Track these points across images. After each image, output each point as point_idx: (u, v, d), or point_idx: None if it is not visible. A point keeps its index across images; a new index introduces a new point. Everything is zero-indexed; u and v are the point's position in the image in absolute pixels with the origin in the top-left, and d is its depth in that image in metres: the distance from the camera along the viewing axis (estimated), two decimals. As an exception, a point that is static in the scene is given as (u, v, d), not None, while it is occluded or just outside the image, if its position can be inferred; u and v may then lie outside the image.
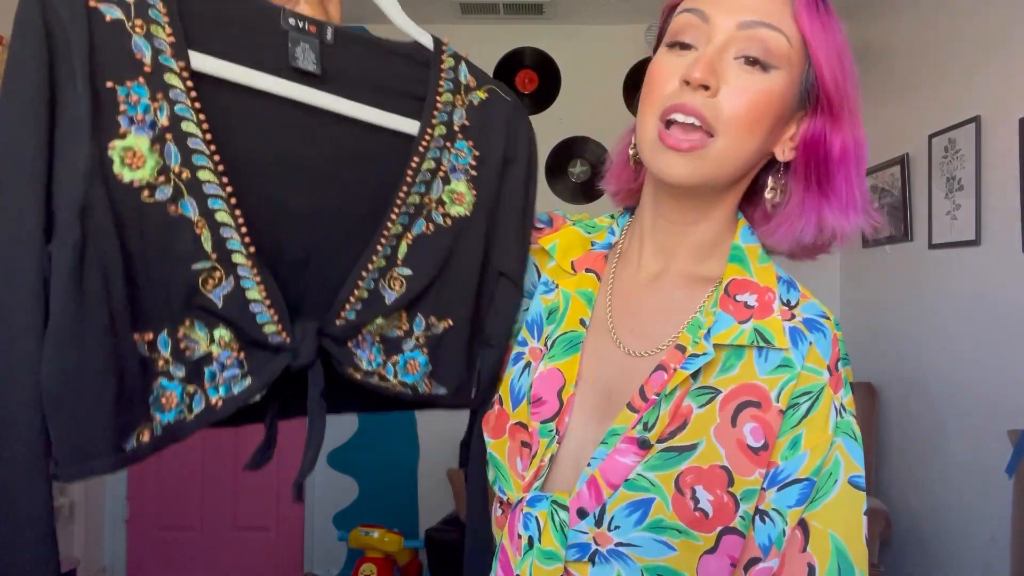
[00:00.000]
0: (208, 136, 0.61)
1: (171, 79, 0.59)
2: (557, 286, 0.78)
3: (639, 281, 0.77)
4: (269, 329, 0.64)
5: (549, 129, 3.36)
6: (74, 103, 0.55)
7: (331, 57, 0.69)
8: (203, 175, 0.61)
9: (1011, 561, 1.96)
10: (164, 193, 0.59)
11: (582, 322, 0.75)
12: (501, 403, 0.76)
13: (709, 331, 0.69)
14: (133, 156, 0.57)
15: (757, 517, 0.66)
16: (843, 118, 0.72)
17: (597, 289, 0.77)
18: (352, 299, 0.70)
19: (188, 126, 0.60)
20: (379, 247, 0.71)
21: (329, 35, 0.69)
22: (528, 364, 0.75)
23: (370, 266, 0.71)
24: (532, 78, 3.49)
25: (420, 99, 0.75)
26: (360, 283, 0.70)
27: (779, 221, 0.75)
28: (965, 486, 2.40)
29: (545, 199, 3.11)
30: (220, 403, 0.64)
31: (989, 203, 2.30)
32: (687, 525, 0.64)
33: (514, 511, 0.70)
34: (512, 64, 3.48)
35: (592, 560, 0.66)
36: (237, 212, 0.62)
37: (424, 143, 0.74)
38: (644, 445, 0.66)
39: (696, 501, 0.64)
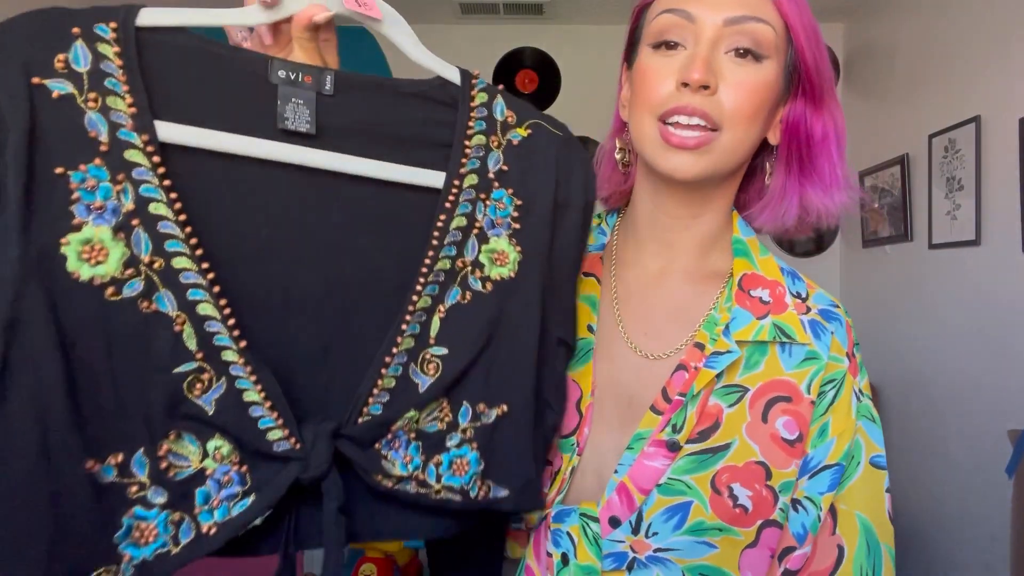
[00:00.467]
0: (182, 217, 0.52)
1: (133, 156, 0.51)
2: None
3: (643, 281, 0.76)
4: (274, 435, 0.55)
5: (549, 129, 3.36)
6: (4, 199, 0.49)
7: (332, 110, 0.59)
8: (179, 263, 0.52)
9: (1011, 561, 1.96)
10: (134, 288, 0.51)
11: (589, 328, 0.74)
12: None
13: (728, 328, 0.70)
14: (92, 250, 0.50)
15: (791, 507, 0.66)
16: (823, 98, 0.73)
17: (599, 293, 0.76)
18: (376, 390, 0.59)
19: (157, 208, 0.52)
20: (405, 324, 0.60)
21: (328, 84, 0.59)
22: None
23: (395, 348, 0.59)
24: (532, 78, 3.49)
25: (447, 146, 0.63)
26: (384, 370, 0.59)
27: (762, 205, 0.76)
28: (965, 486, 2.40)
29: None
30: (214, 530, 0.53)
31: (989, 203, 2.30)
32: (727, 523, 0.64)
33: (539, 529, 0.68)
34: (512, 64, 3.48)
35: (630, 568, 0.65)
36: (222, 302, 0.53)
37: (451, 197, 0.62)
38: (673, 447, 0.66)
39: (735, 499, 0.65)
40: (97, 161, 0.51)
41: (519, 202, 0.65)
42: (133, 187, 0.51)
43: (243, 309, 0.55)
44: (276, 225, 0.58)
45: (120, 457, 0.51)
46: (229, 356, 0.54)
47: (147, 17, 0.54)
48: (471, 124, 0.64)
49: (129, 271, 0.51)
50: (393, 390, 0.59)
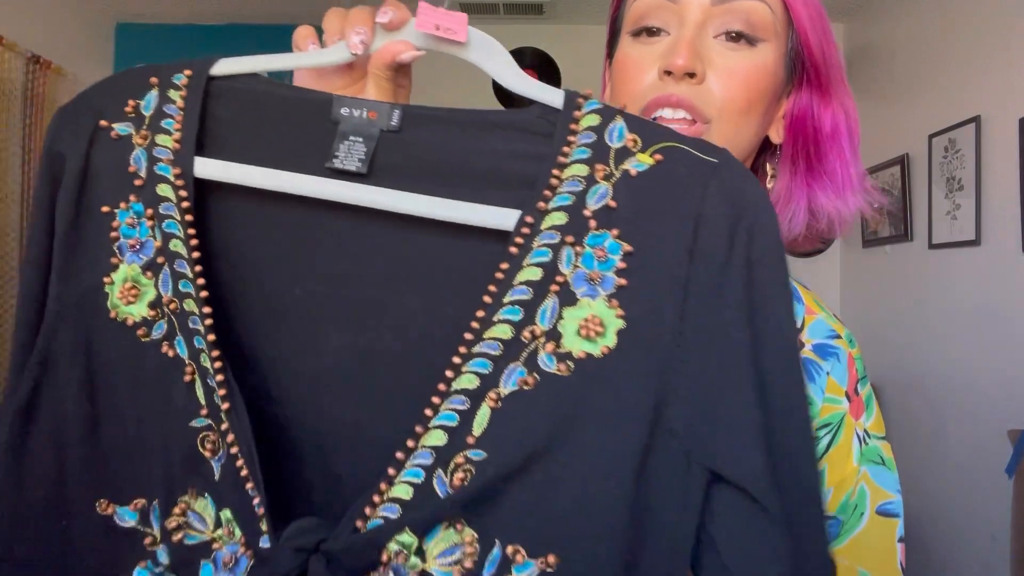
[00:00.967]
0: (195, 255, 0.47)
1: (163, 190, 0.49)
2: None
3: None
4: (264, 525, 0.44)
5: (549, 129, 3.36)
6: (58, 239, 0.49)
7: (395, 146, 0.50)
8: (189, 305, 0.47)
9: (1011, 561, 1.96)
10: (160, 330, 0.48)
11: None
12: None
13: None
14: (127, 289, 0.49)
15: None
16: (831, 88, 0.65)
17: None
18: (377, 498, 0.44)
19: (176, 245, 0.48)
20: (431, 409, 0.44)
21: (395, 119, 0.50)
22: None
23: (412, 442, 0.44)
24: (532, 78, 3.49)
25: (534, 184, 0.48)
26: (395, 471, 0.44)
27: None
28: (965, 486, 2.40)
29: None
30: None
31: (989, 203, 2.30)
32: None
33: None
34: (512, 64, 3.49)
35: None
36: (215, 353, 0.46)
37: (521, 239, 0.46)
38: None
39: None
40: (133, 197, 0.49)
41: (629, 248, 0.46)
42: (159, 223, 0.49)
43: (254, 369, 0.48)
44: (311, 278, 0.50)
45: (141, 503, 0.48)
46: (224, 419, 0.46)
47: (223, 66, 0.52)
48: (567, 151, 0.48)
49: (154, 312, 0.49)
50: (407, 504, 0.43)
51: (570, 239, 0.46)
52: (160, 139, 0.50)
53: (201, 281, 0.48)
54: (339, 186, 0.49)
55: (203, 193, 0.50)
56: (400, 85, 0.55)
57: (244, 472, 0.45)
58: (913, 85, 2.74)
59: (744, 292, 0.46)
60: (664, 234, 0.46)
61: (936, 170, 2.55)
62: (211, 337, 0.46)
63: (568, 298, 0.46)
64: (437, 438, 0.44)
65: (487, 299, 0.45)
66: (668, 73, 0.59)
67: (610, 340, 0.45)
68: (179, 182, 0.49)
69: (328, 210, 0.49)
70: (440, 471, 0.44)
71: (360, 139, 0.50)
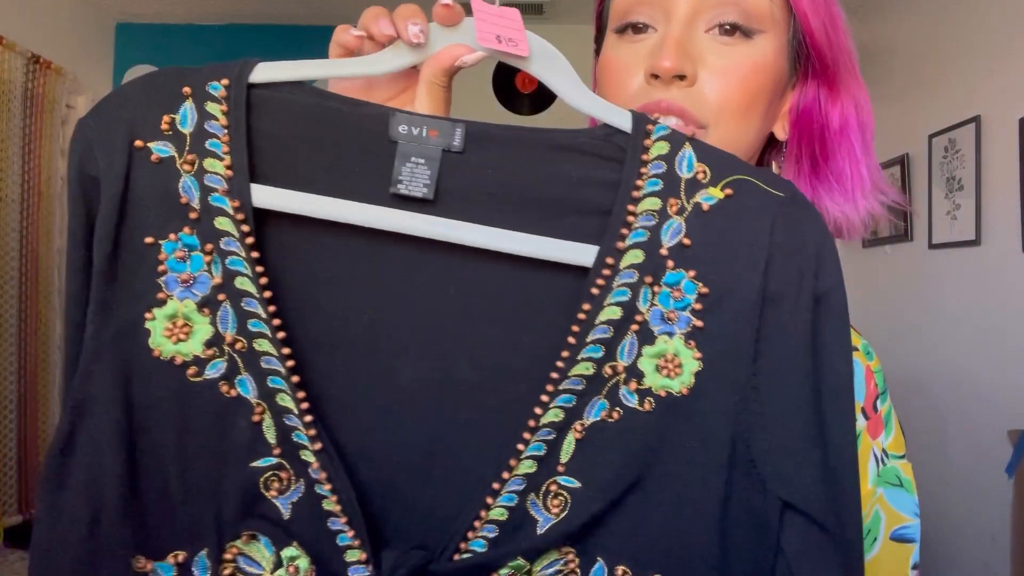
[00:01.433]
0: (267, 294, 0.46)
1: (223, 224, 0.46)
2: None
3: None
4: (352, 556, 0.46)
5: (549, 129, 3.36)
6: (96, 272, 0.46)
7: (459, 169, 0.48)
8: (260, 345, 0.46)
9: (1011, 561, 1.96)
10: (216, 369, 0.46)
11: None
12: None
13: None
14: (176, 326, 0.46)
15: None
16: (839, 80, 0.60)
17: None
18: (479, 522, 0.46)
19: (243, 283, 0.46)
20: (523, 443, 0.46)
21: (458, 139, 0.48)
22: None
23: (506, 474, 0.46)
24: (531, 78, 3.47)
25: (607, 213, 0.48)
26: (492, 498, 0.46)
27: None
28: (965, 486, 2.40)
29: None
30: None
31: (989, 203, 2.30)
32: None
33: None
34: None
35: None
36: (300, 394, 0.45)
37: (602, 280, 0.47)
38: None
39: None
40: (187, 229, 0.46)
41: (705, 290, 0.47)
42: (221, 258, 0.46)
43: (330, 404, 0.47)
44: (380, 309, 0.49)
45: (182, 556, 0.46)
46: (307, 456, 0.46)
47: (262, 72, 0.48)
48: (640, 183, 0.47)
49: (212, 351, 0.46)
50: (504, 524, 0.46)
51: (648, 279, 0.47)
52: (209, 164, 0.46)
53: (277, 321, 0.46)
54: (412, 218, 0.47)
55: (258, 221, 0.47)
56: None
57: (330, 507, 0.46)
58: (913, 85, 2.74)
59: (810, 331, 0.48)
60: (738, 274, 0.47)
61: (936, 170, 2.55)
62: (295, 378, 0.46)
63: (647, 336, 0.47)
64: (527, 467, 0.46)
65: (571, 340, 0.47)
66: (655, 76, 0.54)
67: (688, 380, 0.47)
68: (239, 216, 0.46)
69: (391, 238, 0.48)
70: (533, 495, 0.46)
71: (423, 161, 0.48)
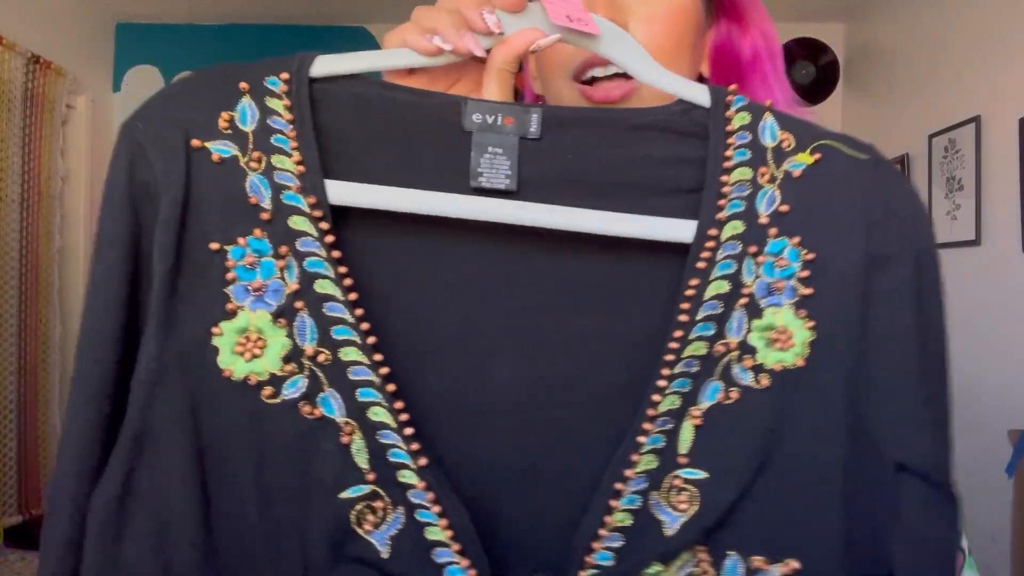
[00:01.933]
0: (352, 296, 0.42)
1: (298, 223, 0.42)
2: None
3: None
4: None
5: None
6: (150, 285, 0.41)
7: (538, 156, 0.46)
8: (347, 354, 0.42)
9: (1011, 561, 1.96)
10: (295, 388, 0.41)
11: None
12: None
13: None
14: (248, 341, 0.41)
15: None
16: (746, 14, 0.64)
17: None
18: (604, 530, 0.42)
19: (324, 285, 0.42)
20: (643, 435, 0.43)
21: (534, 125, 0.45)
22: None
23: (628, 471, 0.43)
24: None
25: (696, 190, 0.46)
26: (615, 501, 0.43)
27: None
28: (965, 486, 2.39)
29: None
30: None
31: (989, 203, 2.30)
32: None
33: None
34: (512, 64, 3.48)
35: None
36: (398, 405, 0.41)
37: (705, 253, 0.45)
38: None
39: None
40: (258, 232, 0.42)
41: (809, 256, 0.45)
42: (298, 261, 0.42)
43: (424, 415, 0.43)
44: (468, 307, 0.46)
45: None
46: (407, 477, 0.41)
47: (323, 65, 0.45)
48: (729, 155, 0.46)
49: (290, 366, 0.41)
50: (629, 530, 0.42)
51: (752, 249, 0.45)
52: (278, 161, 0.43)
53: (366, 326, 0.42)
54: (502, 206, 0.44)
55: (337, 221, 0.44)
56: None
57: (435, 535, 0.41)
58: (913, 85, 2.74)
59: (914, 294, 0.47)
60: (841, 239, 0.45)
61: (936, 170, 2.55)
62: (390, 387, 0.41)
63: (754, 310, 0.45)
64: (648, 462, 0.43)
65: (682, 318, 0.44)
66: None
67: (801, 351, 0.45)
68: (316, 213, 0.42)
69: (474, 232, 0.45)
70: (654, 494, 0.43)
71: (500, 150, 0.45)
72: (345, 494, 0.41)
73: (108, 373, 0.41)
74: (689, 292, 0.44)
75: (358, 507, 0.41)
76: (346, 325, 0.42)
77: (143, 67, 3.34)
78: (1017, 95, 2.18)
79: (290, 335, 0.42)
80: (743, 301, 0.45)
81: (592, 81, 0.58)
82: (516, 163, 0.45)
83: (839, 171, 0.46)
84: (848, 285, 0.45)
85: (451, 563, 0.41)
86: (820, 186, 0.46)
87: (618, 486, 0.43)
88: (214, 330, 0.41)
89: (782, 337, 0.45)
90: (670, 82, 0.48)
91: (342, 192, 0.43)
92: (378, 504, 0.41)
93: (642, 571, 0.42)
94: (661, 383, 0.43)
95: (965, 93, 2.42)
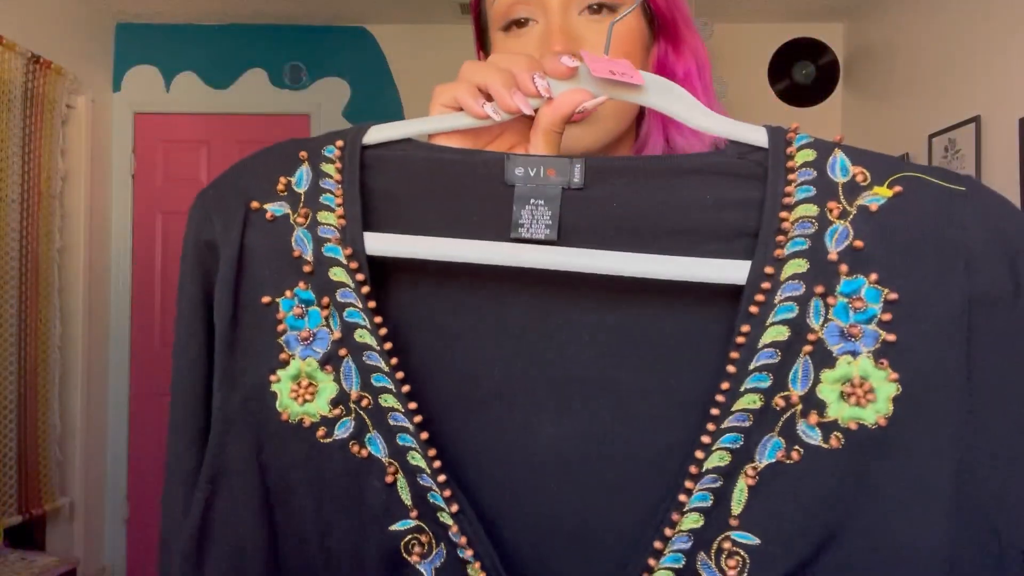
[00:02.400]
0: (387, 346, 0.44)
1: (337, 274, 0.44)
2: None
3: None
4: None
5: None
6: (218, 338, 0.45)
7: (581, 205, 0.45)
8: (386, 401, 0.43)
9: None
10: (345, 429, 0.44)
11: None
12: None
13: None
14: (300, 387, 0.44)
15: None
16: (680, 35, 0.68)
17: None
18: None
19: (362, 335, 0.44)
20: (685, 493, 0.40)
21: (577, 175, 0.45)
22: None
23: (668, 529, 0.41)
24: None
25: (754, 235, 0.42)
26: (652, 560, 0.41)
27: (635, 152, 0.71)
28: (965, 486, 2.40)
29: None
30: None
31: (989, 203, 2.30)
32: None
33: None
34: (512, 64, 3.48)
35: None
36: (431, 452, 0.42)
37: (760, 297, 0.41)
38: None
39: None
40: (302, 284, 0.45)
41: (893, 296, 0.40)
42: (338, 311, 0.44)
43: (465, 464, 0.44)
44: (511, 361, 0.45)
45: None
46: (445, 519, 0.42)
47: (375, 133, 0.47)
48: (790, 191, 0.42)
49: (338, 409, 0.44)
50: None
51: (819, 289, 0.40)
52: (323, 216, 0.45)
53: (400, 375, 0.43)
54: (536, 251, 0.43)
55: (376, 273, 0.45)
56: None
57: (471, 572, 0.42)
58: (913, 85, 2.74)
59: None
60: (930, 276, 0.40)
61: (936, 170, 2.55)
62: (424, 435, 0.43)
63: (824, 358, 0.40)
64: (693, 521, 0.41)
65: (731, 368, 0.41)
66: None
67: (884, 407, 0.39)
68: (353, 264, 0.44)
69: (515, 282, 0.45)
70: (703, 555, 0.40)
71: (542, 201, 0.45)
72: (395, 527, 0.44)
73: (199, 421, 0.46)
74: (740, 340, 0.41)
75: (407, 538, 0.44)
76: (383, 374, 0.43)
77: (143, 67, 3.34)
78: (1017, 95, 2.18)
79: (337, 380, 0.44)
80: (808, 349, 0.40)
81: None
82: (558, 213, 0.44)
83: (926, 203, 0.41)
84: (943, 330, 0.40)
85: None
86: (903, 220, 0.41)
87: (657, 544, 0.41)
88: (271, 377, 0.44)
89: (859, 391, 0.40)
90: (726, 127, 0.45)
91: (379, 243, 0.45)
92: (423, 537, 0.44)
93: None
94: (705, 439, 0.40)
95: (965, 93, 2.42)
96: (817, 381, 0.40)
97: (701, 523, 0.41)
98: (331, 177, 0.46)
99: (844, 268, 0.40)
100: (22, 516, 2.66)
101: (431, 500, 0.43)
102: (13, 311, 2.62)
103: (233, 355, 0.45)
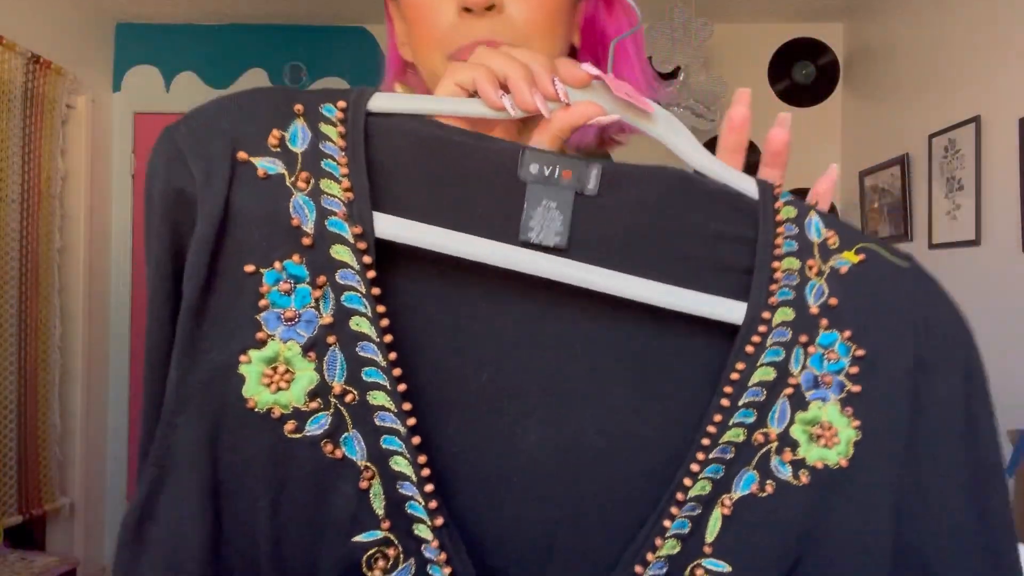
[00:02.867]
0: (387, 339, 0.40)
1: (340, 253, 0.40)
2: None
3: None
4: None
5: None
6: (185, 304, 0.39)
7: (593, 214, 0.44)
8: (375, 398, 0.40)
9: (1011, 561, 1.95)
10: (318, 424, 0.40)
11: None
12: None
13: None
14: (276, 372, 0.40)
15: None
16: None
17: None
18: None
19: (360, 324, 0.40)
20: (668, 519, 0.42)
21: (592, 181, 0.44)
22: None
23: (650, 554, 0.41)
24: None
25: (746, 272, 0.45)
26: None
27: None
28: (965, 486, 2.40)
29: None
30: None
31: (989, 203, 2.30)
32: None
33: None
34: (512, 64, 3.47)
35: None
36: (421, 459, 0.40)
37: (757, 337, 0.43)
38: None
39: None
40: (296, 257, 0.40)
41: (860, 352, 0.44)
42: (335, 294, 0.40)
43: (444, 471, 0.42)
44: (503, 365, 0.43)
45: None
46: (422, 532, 0.40)
47: (381, 101, 0.44)
48: (778, 243, 0.45)
49: (315, 402, 0.40)
50: None
51: (803, 338, 0.44)
52: (326, 185, 0.41)
53: (398, 372, 0.40)
54: (555, 263, 0.42)
55: (381, 257, 0.42)
56: None
57: None
58: (913, 85, 2.74)
59: (964, 405, 0.46)
60: (890, 338, 0.44)
61: (936, 170, 2.55)
62: (416, 440, 0.40)
63: (799, 402, 0.43)
64: (671, 547, 0.42)
65: (724, 402, 0.42)
66: (467, 10, 0.56)
67: (846, 450, 0.43)
68: (361, 244, 0.40)
69: (518, 285, 0.43)
70: None
71: (555, 204, 0.43)
72: (359, 538, 0.40)
73: (158, 393, 0.41)
74: (734, 376, 0.42)
75: (370, 552, 0.40)
76: (377, 368, 0.40)
77: (143, 67, 3.34)
78: (1017, 95, 2.18)
79: (319, 370, 0.40)
80: (788, 391, 0.43)
81: None
82: (569, 219, 0.43)
83: (883, 273, 0.46)
84: (897, 387, 0.44)
85: None
86: (866, 285, 0.45)
87: (638, 569, 0.41)
88: (242, 358, 0.39)
89: (827, 434, 0.43)
90: (721, 170, 0.46)
91: (390, 226, 0.41)
92: (390, 551, 0.40)
93: None
94: (694, 467, 0.42)
95: (965, 93, 2.42)
96: (792, 422, 0.43)
97: (677, 549, 0.42)
98: (332, 142, 0.42)
99: (824, 323, 0.44)
100: (22, 516, 2.66)
101: (408, 510, 0.40)
102: (13, 311, 2.62)
103: (199, 327, 0.39)
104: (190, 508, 0.39)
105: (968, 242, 2.37)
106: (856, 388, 0.44)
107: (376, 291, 0.40)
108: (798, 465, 0.43)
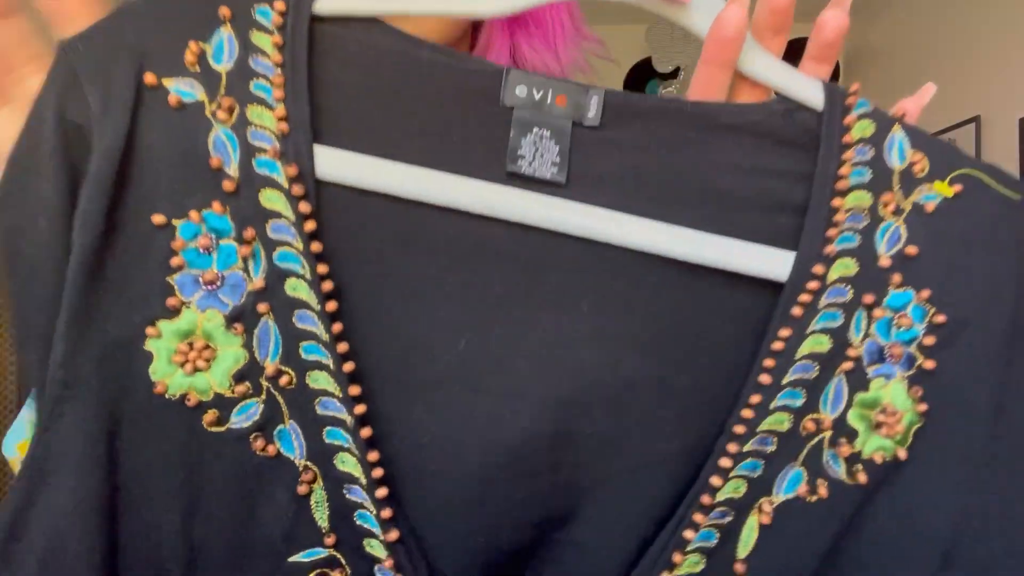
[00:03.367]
0: (331, 306, 0.32)
1: (271, 199, 0.32)
2: None
3: None
4: None
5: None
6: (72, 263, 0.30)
7: (595, 150, 0.35)
8: (316, 380, 0.32)
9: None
10: (247, 414, 0.31)
11: None
12: None
13: None
14: (192, 348, 0.31)
15: None
16: None
17: None
18: None
19: (297, 288, 0.32)
20: (690, 529, 0.33)
21: (592, 110, 0.35)
22: None
23: (667, 573, 0.33)
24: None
25: (799, 211, 0.35)
26: None
27: None
28: (965, 486, 2.40)
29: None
30: None
31: (989, 203, 2.31)
32: None
33: None
34: (512, 64, 3.48)
35: None
36: (371, 456, 0.32)
37: (805, 298, 0.34)
38: None
39: None
40: (217, 206, 0.32)
41: (940, 319, 0.34)
42: (266, 251, 0.32)
43: (406, 472, 0.33)
44: (483, 333, 0.34)
45: None
46: (374, 549, 0.32)
47: (330, 2, 0.34)
48: (843, 172, 0.34)
49: (243, 387, 0.31)
50: None
51: (869, 299, 0.34)
52: (255, 114, 0.32)
53: (343, 347, 0.32)
54: (551, 206, 0.34)
55: (322, 204, 0.33)
56: None
57: None
58: (913, 85, 2.73)
59: None
60: (978, 302, 0.34)
61: (936, 170, 2.55)
62: (366, 432, 0.32)
63: (859, 379, 0.34)
64: (692, 564, 0.33)
65: (764, 379, 0.33)
66: None
67: (903, 439, 0.34)
68: (296, 189, 0.32)
69: (505, 232, 0.34)
70: None
71: (547, 133, 0.34)
72: (296, 557, 0.32)
73: (40, 374, 0.31)
74: (777, 346, 0.33)
75: (312, 574, 0.32)
76: (318, 343, 0.32)
77: (143, 67, 3.34)
78: (1017, 95, 2.18)
79: (247, 346, 0.31)
80: (847, 366, 0.34)
81: None
82: (567, 151, 0.34)
83: (984, 211, 0.35)
84: (981, 364, 0.34)
85: None
86: (959, 228, 0.35)
87: None
88: (149, 330, 0.31)
89: (890, 420, 0.34)
90: (777, 74, 0.36)
91: (335, 164, 0.33)
92: (336, 573, 0.32)
93: None
94: (725, 462, 0.33)
95: (965, 93, 2.42)
96: (849, 405, 0.34)
97: (701, 567, 0.33)
98: (266, 55, 0.33)
99: (897, 278, 0.34)
100: (23, 516, 2.66)
101: (358, 522, 0.32)
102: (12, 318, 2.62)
103: (93, 291, 0.30)
104: (74, 524, 0.30)
105: (968, 242, 2.38)
106: (930, 364, 0.34)
107: (317, 247, 0.32)
108: (853, 460, 0.34)
